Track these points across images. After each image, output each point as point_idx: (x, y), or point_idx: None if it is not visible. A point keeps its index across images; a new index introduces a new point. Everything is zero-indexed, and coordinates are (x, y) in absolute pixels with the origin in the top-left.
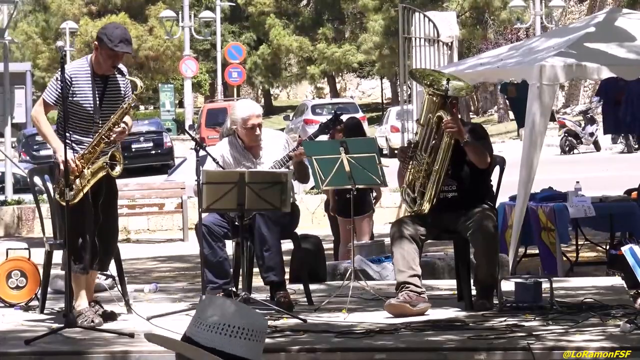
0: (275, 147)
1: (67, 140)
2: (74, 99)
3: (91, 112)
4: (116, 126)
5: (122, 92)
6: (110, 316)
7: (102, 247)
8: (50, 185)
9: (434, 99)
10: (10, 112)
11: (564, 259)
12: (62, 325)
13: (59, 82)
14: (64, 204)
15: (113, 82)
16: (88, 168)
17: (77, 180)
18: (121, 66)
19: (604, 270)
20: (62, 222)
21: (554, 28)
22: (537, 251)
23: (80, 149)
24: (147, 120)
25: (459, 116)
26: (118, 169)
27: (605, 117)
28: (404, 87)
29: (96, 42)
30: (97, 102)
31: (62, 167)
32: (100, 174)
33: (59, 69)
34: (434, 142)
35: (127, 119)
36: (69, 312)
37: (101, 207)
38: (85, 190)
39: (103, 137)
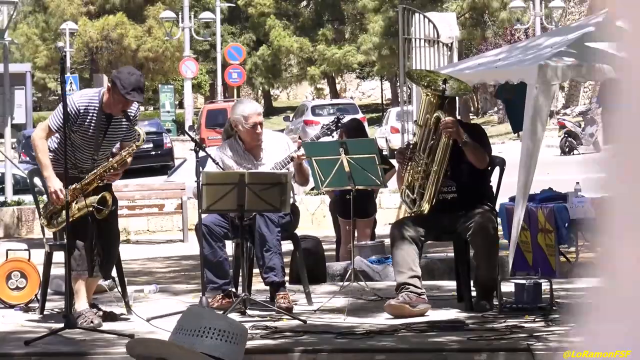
0: (275, 148)
1: (55, 160)
2: (78, 131)
3: (91, 146)
4: (112, 170)
5: (123, 132)
6: (110, 317)
7: (104, 254)
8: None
9: (432, 99)
10: (10, 113)
11: (563, 259)
12: (62, 326)
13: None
14: (50, 230)
15: (117, 122)
16: (76, 203)
17: (64, 213)
18: (132, 110)
19: None
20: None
21: (553, 29)
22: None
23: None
24: (147, 121)
25: (458, 117)
26: (104, 214)
27: (604, 127)
28: (403, 88)
29: (109, 85)
30: (99, 139)
31: (53, 197)
32: (85, 211)
33: (57, 76)
34: (432, 142)
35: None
36: (69, 313)
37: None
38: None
39: (96, 178)
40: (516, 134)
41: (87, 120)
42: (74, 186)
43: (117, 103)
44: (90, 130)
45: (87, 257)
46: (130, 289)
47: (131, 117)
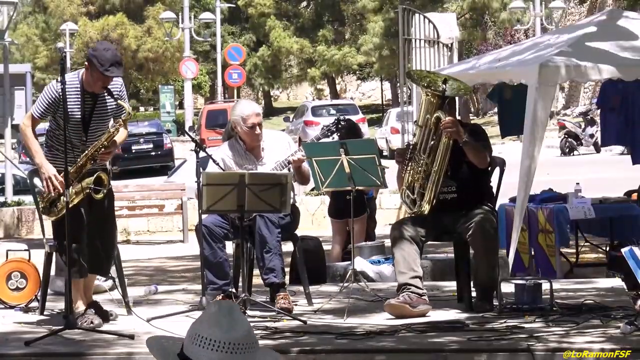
0: (276, 148)
1: (52, 154)
2: (62, 115)
3: (79, 128)
4: (102, 149)
5: (110, 111)
6: (110, 317)
7: (102, 252)
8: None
9: (432, 99)
10: (10, 114)
11: (563, 259)
12: (62, 326)
13: (47, 97)
14: (49, 218)
15: (102, 100)
16: (73, 187)
17: (62, 198)
18: (114, 86)
19: (604, 272)
20: (57, 228)
21: (554, 30)
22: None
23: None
24: (147, 122)
25: (458, 117)
26: (102, 194)
27: (602, 127)
28: (404, 89)
29: (87, 63)
30: (86, 120)
31: (46, 183)
32: (83, 195)
33: (57, 77)
34: (432, 143)
35: (120, 132)
36: (69, 314)
37: (98, 211)
38: (68, 207)
39: (89, 159)
40: (516, 135)
41: (71, 103)
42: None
43: (97, 80)
44: (76, 112)
45: (81, 257)
46: (130, 289)
47: (114, 93)
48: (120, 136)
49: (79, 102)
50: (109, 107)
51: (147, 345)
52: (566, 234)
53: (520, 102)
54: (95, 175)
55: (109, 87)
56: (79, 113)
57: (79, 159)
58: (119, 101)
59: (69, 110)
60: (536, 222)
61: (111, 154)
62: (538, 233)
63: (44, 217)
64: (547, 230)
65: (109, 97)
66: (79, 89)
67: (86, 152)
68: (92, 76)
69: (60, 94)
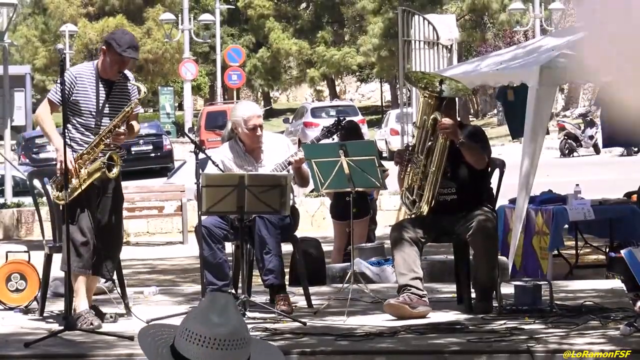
0: (276, 150)
1: (68, 141)
2: (77, 99)
3: (93, 114)
4: (117, 129)
5: (128, 97)
6: (109, 318)
7: (106, 253)
8: (49, 187)
9: (429, 101)
10: (9, 115)
11: (562, 261)
12: (62, 327)
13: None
14: (59, 202)
15: (119, 86)
16: (85, 168)
17: (74, 180)
18: (127, 72)
19: (604, 273)
20: (61, 221)
21: (553, 31)
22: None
23: (81, 149)
24: (146, 123)
25: (458, 118)
26: (115, 171)
27: (603, 129)
28: (403, 90)
29: (104, 47)
30: (100, 105)
31: (60, 165)
32: (97, 175)
33: (56, 78)
34: (429, 144)
35: (134, 123)
36: (69, 315)
37: (107, 212)
38: (81, 190)
39: (102, 138)
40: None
41: (84, 86)
42: (79, 153)
43: (114, 64)
44: (91, 98)
45: (88, 249)
46: (130, 290)
47: (130, 78)
48: (137, 126)
49: (93, 89)
50: (124, 95)
51: (138, 339)
52: (560, 238)
53: (523, 104)
54: (107, 155)
55: (124, 73)
56: (94, 99)
57: (92, 140)
58: (133, 82)
59: (84, 98)
60: (533, 224)
61: (125, 137)
62: (533, 235)
63: (44, 216)
64: (543, 232)
65: (124, 83)
66: (94, 76)
67: (99, 132)
68: (109, 59)
69: (77, 79)
